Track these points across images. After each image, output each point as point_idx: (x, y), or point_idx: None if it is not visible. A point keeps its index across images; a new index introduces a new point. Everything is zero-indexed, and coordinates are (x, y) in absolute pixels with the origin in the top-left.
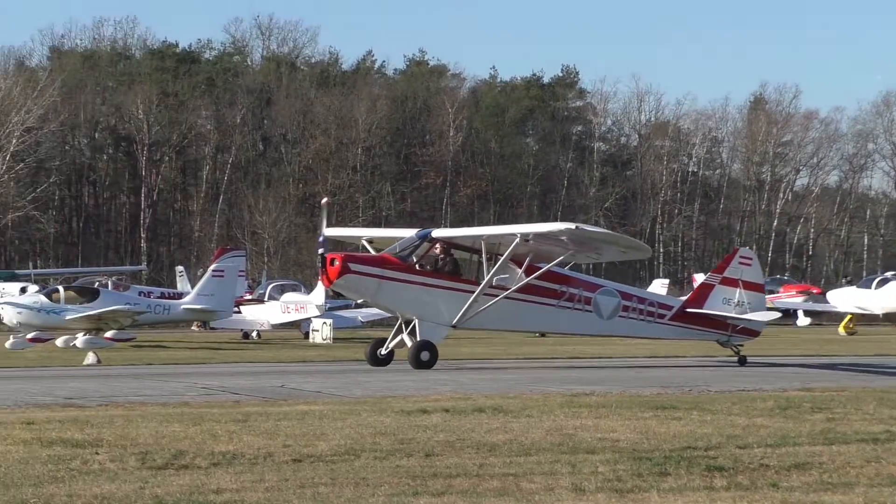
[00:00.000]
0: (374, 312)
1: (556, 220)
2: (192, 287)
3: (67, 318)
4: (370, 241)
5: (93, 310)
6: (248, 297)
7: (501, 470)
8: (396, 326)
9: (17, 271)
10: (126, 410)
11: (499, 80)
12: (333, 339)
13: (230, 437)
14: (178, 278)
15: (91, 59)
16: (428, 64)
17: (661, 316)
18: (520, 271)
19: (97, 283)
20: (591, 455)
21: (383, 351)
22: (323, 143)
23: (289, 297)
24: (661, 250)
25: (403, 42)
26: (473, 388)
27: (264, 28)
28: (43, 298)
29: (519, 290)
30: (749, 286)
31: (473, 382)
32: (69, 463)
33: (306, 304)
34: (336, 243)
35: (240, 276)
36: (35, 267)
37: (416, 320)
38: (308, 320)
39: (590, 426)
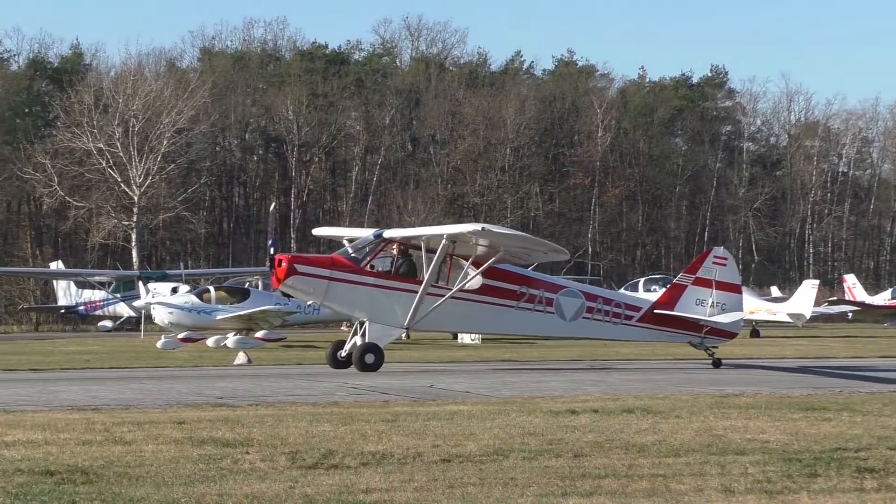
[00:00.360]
0: None
1: (704, 220)
2: None
3: (218, 318)
4: (351, 241)
5: (243, 310)
6: None
7: (650, 471)
8: (353, 328)
9: (168, 271)
10: (276, 410)
11: (647, 80)
12: (482, 339)
13: (379, 436)
14: None
15: (241, 61)
16: (576, 64)
17: (629, 318)
18: (465, 268)
19: (247, 284)
20: (740, 456)
21: (343, 353)
22: (471, 144)
23: None
24: (811, 251)
25: (552, 42)
26: (622, 389)
27: (413, 29)
28: (194, 298)
29: (476, 292)
30: (723, 287)
31: (622, 383)
32: (220, 462)
33: None
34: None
35: None
36: (186, 267)
37: (367, 322)
38: None
39: (739, 427)
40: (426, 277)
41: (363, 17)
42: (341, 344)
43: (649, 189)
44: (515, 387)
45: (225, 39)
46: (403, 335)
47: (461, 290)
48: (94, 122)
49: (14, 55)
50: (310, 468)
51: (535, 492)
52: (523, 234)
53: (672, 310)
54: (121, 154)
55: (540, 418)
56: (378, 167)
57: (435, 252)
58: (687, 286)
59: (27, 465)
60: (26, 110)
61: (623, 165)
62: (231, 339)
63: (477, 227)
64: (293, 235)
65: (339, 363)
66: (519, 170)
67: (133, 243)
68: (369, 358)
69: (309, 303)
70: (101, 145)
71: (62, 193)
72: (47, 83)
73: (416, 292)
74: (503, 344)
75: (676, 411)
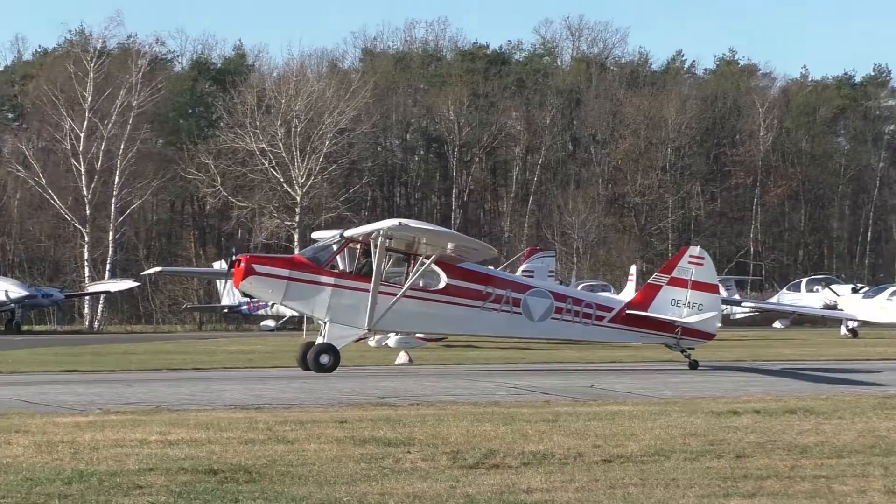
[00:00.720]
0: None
1: (867, 220)
2: None
3: None
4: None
5: None
6: None
7: (812, 472)
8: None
9: None
10: (437, 409)
11: (810, 79)
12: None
13: (540, 436)
14: None
15: (403, 61)
16: (738, 63)
17: (600, 318)
18: (413, 267)
19: None
20: None
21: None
22: (632, 144)
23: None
24: None
25: (713, 41)
26: (784, 389)
27: (574, 29)
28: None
29: (440, 292)
30: (700, 286)
31: (784, 383)
32: (381, 461)
33: None
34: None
35: (549, 276)
36: None
37: (327, 322)
38: None
39: None
40: (374, 276)
41: (524, 17)
42: (310, 345)
43: (812, 189)
44: (676, 387)
45: (386, 40)
46: (369, 337)
47: (426, 290)
48: (257, 123)
49: (178, 56)
50: (471, 468)
51: (697, 493)
52: (444, 229)
53: (646, 310)
54: (283, 154)
55: (701, 419)
56: (539, 167)
57: (393, 251)
58: (662, 286)
59: (191, 464)
60: (190, 111)
61: (785, 165)
62: (392, 339)
63: (394, 222)
64: None
65: (308, 365)
66: (680, 169)
67: (295, 243)
68: (324, 359)
69: (270, 303)
70: (264, 146)
71: (225, 194)
72: (210, 84)
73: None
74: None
75: (839, 412)
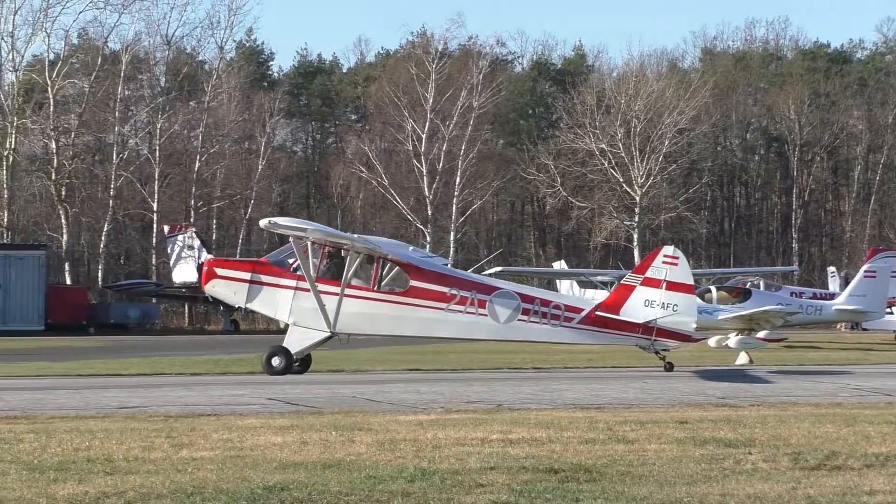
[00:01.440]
0: None
1: None
2: (843, 288)
3: (720, 317)
4: None
5: (745, 310)
6: None
7: None
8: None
9: None
10: (778, 410)
11: None
12: None
13: (883, 438)
14: (829, 279)
15: (743, 61)
16: None
17: (569, 319)
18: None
19: (749, 284)
20: None
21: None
22: None
23: None
24: None
25: None
26: None
27: None
28: (696, 299)
29: (403, 294)
30: (674, 287)
31: None
32: (722, 462)
33: None
34: None
35: (892, 276)
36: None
37: (290, 325)
38: None
39: None
40: (308, 277)
41: (866, 16)
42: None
43: None
44: None
45: (726, 39)
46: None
47: (390, 292)
48: (597, 123)
49: (518, 57)
50: (812, 469)
51: None
52: (317, 225)
53: (619, 311)
54: (622, 155)
55: None
56: (881, 166)
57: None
58: (635, 286)
59: (531, 463)
60: (530, 112)
61: None
62: (732, 340)
63: (266, 221)
64: (795, 236)
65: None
66: None
67: (635, 243)
68: (275, 361)
69: (236, 306)
70: (604, 146)
71: (565, 194)
72: (550, 85)
73: (336, 295)
74: None
75: None
